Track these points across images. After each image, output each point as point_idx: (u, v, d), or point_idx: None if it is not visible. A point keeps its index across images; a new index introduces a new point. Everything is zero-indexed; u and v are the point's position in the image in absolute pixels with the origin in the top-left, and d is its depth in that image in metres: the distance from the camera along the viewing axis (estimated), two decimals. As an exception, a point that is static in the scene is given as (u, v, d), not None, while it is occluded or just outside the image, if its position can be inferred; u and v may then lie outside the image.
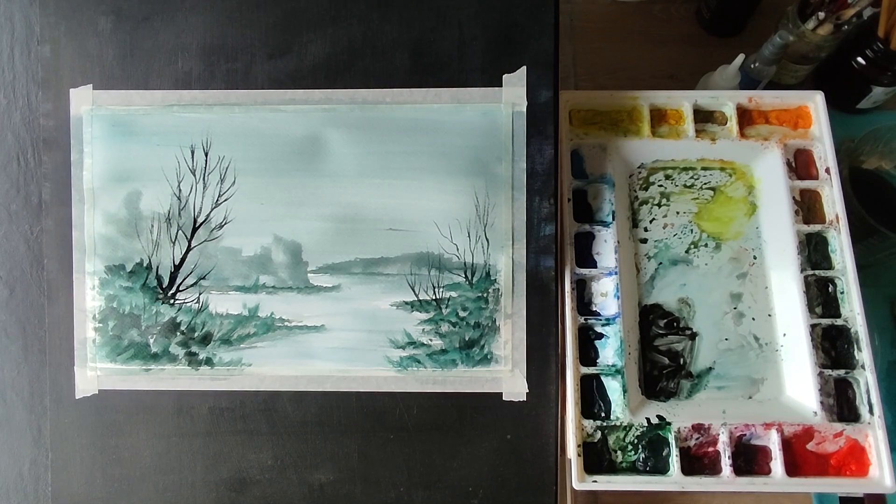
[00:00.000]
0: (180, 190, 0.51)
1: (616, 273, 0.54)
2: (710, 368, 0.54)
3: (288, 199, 0.51)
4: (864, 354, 0.51)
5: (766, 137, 0.58)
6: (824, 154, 0.57)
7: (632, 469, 0.51)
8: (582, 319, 0.53)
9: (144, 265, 0.51)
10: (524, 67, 0.50)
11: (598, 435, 0.51)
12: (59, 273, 0.51)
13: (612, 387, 0.52)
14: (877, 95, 0.68)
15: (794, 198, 0.56)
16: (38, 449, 0.51)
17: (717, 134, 0.59)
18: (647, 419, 0.51)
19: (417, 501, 0.51)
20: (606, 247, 0.55)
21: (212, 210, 0.51)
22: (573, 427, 0.51)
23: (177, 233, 0.51)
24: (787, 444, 0.50)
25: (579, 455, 0.50)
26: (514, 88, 0.50)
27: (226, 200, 0.51)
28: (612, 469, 0.51)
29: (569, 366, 0.52)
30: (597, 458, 0.51)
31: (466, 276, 0.51)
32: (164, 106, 0.51)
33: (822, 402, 0.51)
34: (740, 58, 0.64)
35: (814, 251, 0.55)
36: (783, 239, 0.55)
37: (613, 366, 0.52)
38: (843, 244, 0.54)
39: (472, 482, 0.51)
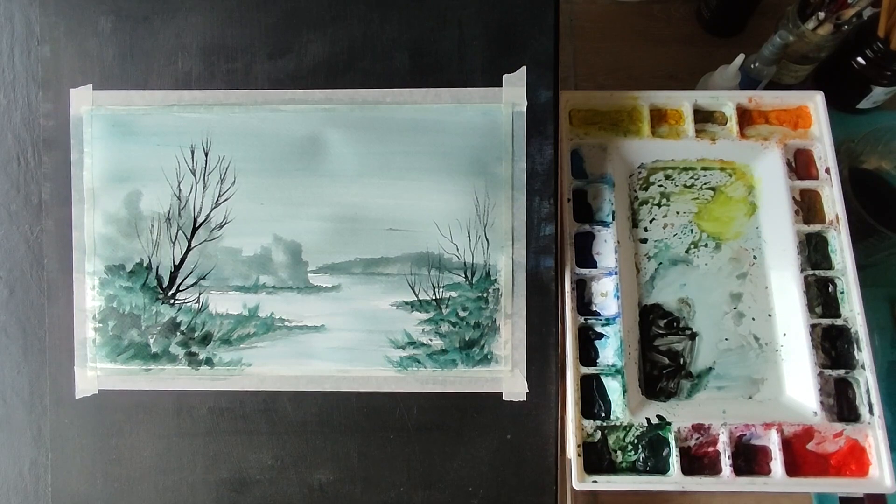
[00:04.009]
0: (180, 190, 0.51)
1: (616, 273, 0.54)
2: (710, 368, 0.54)
3: (288, 199, 0.51)
4: (864, 354, 0.51)
5: (766, 137, 0.58)
6: (824, 154, 0.57)
7: (632, 469, 0.51)
8: (582, 319, 0.53)
9: (144, 265, 0.51)
10: (524, 67, 0.50)
11: (598, 435, 0.51)
12: (59, 273, 0.51)
13: (612, 387, 0.52)
14: (877, 95, 0.68)
15: (794, 198, 0.56)
16: (38, 449, 0.51)
17: (717, 134, 0.59)
18: (647, 419, 0.51)
19: (417, 501, 0.51)
20: (606, 247, 0.55)
21: (212, 210, 0.51)
22: (573, 427, 0.51)
23: (177, 233, 0.51)
24: (787, 444, 0.50)
25: (579, 455, 0.50)
26: (514, 88, 0.50)
27: (226, 200, 0.51)
28: (612, 469, 0.51)
29: (569, 366, 0.52)
30: (597, 458, 0.51)
31: (466, 276, 0.51)
32: (164, 106, 0.51)
33: (822, 402, 0.51)
34: (740, 58, 0.64)
35: (814, 251, 0.55)
36: (783, 239, 0.55)
37: (613, 366, 0.52)
38: (843, 244, 0.54)
39: (472, 482, 0.51)
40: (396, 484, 0.51)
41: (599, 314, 0.54)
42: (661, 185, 0.59)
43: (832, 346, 0.53)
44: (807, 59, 0.68)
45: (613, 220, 0.56)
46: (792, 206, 0.55)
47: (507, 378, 0.51)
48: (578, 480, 0.49)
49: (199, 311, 0.51)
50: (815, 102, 0.59)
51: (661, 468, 0.50)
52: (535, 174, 0.51)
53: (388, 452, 0.51)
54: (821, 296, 0.54)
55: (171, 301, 0.51)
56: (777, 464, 0.49)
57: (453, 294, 0.51)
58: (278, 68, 0.51)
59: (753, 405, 0.53)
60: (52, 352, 0.51)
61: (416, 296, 0.51)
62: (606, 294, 0.54)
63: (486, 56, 0.50)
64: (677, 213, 0.59)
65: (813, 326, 0.52)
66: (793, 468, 0.49)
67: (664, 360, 0.55)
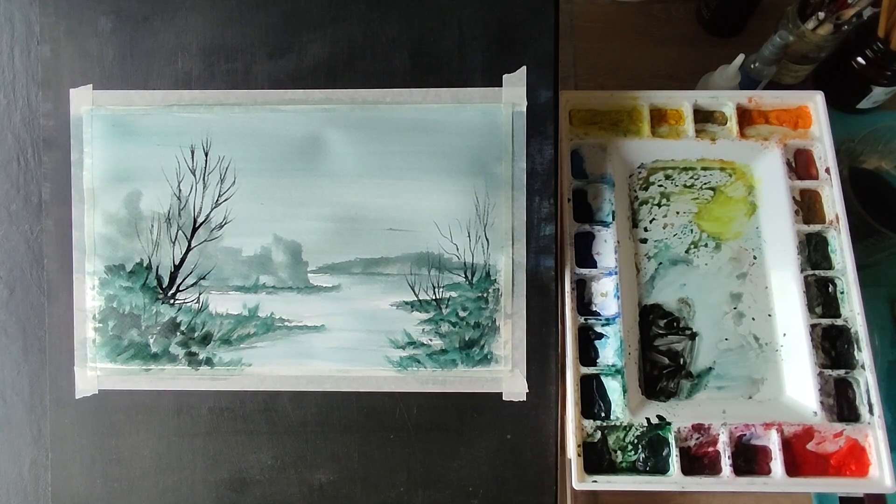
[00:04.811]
0: (180, 190, 0.51)
1: (616, 273, 0.54)
2: (710, 368, 0.54)
3: (288, 199, 0.51)
4: (864, 354, 0.51)
5: (766, 137, 0.58)
6: (824, 154, 0.57)
7: (632, 469, 0.51)
8: (582, 319, 0.53)
9: (144, 265, 0.51)
10: (524, 67, 0.50)
11: (598, 435, 0.51)
12: (59, 273, 0.51)
13: (612, 387, 0.52)
14: (877, 95, 0.68)
15: (794, 198, 0.56)
16: (38, 449, 0.51)
17: (717, 134, 0.59)
18: (647, 419, 0.51)
19: (417, 501, 0.51)
20: (606, 247, 0.55)
21: (212, 210, 0.51)
22: (573, 427, 0.51)
23: (177, 233, 0.51)
24: (787, 444, 0.50)
25: (579, 455, 0.50)
26: (514, 88, 0.50)
27: (226, 200, 0.51)
28: (612, 469, 0.51)
29: (569, 366, 0.52)
30: (597, 458, 0.51)
31: (466, 276, 0.51)
32: (164, 106, 0.51)
33: (822, 402, 0.51)
34: (740, 58, 0.64)
35: (814, 251, 0.55)
36: (783, 239, 0.55)
37: (613, 366, 0.52)
38: (843, 244, 0.54)
39: (472, 482, 0.51)
40: (396, 484, 0.51)
41: (599, 314, 0.54)
42: (661, 185, 0.59)
43: (832, 346, 0.53)
44: (807, 59, 0.68)
45: (613, 220, 0.56)
46: (792, 206, 0.55)
47: (507, 378, 0.51)
48: (578, 480, 0.49)
49: (199, 311, 0.51)
50: (815, 102, 0.59)
51: (661, 468, 0.50)
52: (535, 174, 0.51)
53: (388, 452, 0.51)
54: (821, 296, 0.54)
55: (171, 301, 0.51)
56: (777, 464, 0.49)
57: (453, 294, 0.51)
58: (278, 68, 0.51)
59: (753, 405, 0.53)
60: (52, 352, 0.51)
61: (416, 296, 0.51)
62: (606, 294, 0.54)
63: (486, 56, 0.50)
64: (677, 213, 0.59)
65: (813, 326, 0.52)
66: (793, 468, 0.49)
67: (664, 360, 0.55)
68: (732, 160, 0.59)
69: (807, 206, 0.56)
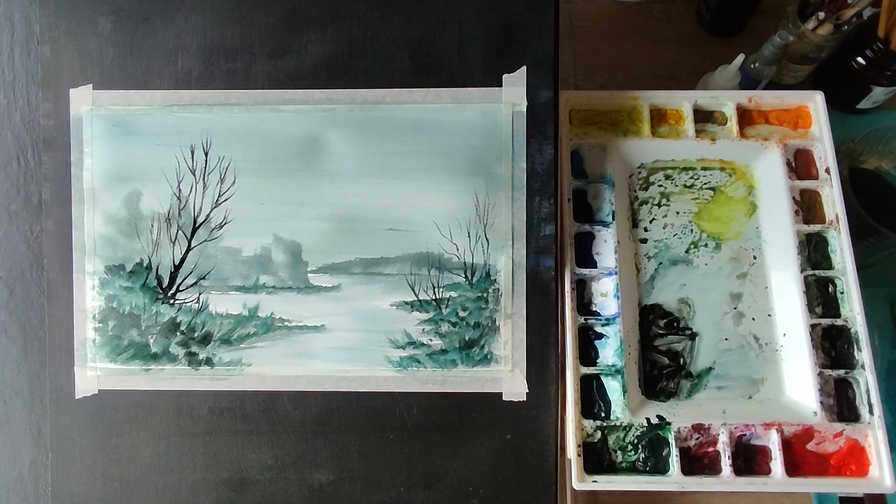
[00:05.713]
0: (180, 190, 0.51)
1: (616, 273, 0.54)
2: (710, 368, 0.54)
3: (288, 199, 0.51)
4: (864, 354, 0.51)
5: (766, 137, 0.58)
6: (824, 154, 0.57)
7: (632, 469, 0.51)
8: (582, 319, 0.53)
9: (144, 265, 0.51)
10: (524, 67, 0.50)
11: (598, 435, 0.51)
12: (59, 273, 0.51)
13: (612, 387, 0.52)
14: (877, 95, 0.68)
15: (794, 198, 0.56)
16: (38, 449, 0.51)
17: (717, 134, 0.59)
18: (647, 419, 0.51)
19: (417, 501, 0.51)
20: (606, 247, 0.55)
21: (212, 210, 0.51)
22: (573, 427, 0.51)
23: (177, 233, 0.51)
24: (787, 444, 0.50)
25: (579, 455, 0.50)
26: (514, 88, 0.50)
27: (226, 200, 0.51)
28: (612, 469, 0.51)
29: (569, 366, 0.52)
30: (597, 458, 0.51)
31: (466, 276, 0.51)
32: (164, 106, 0.51)
33: (822, 402, 0.51)
34: (740, 58, 0.64)
35: (814, 251, 0.55)
36: (783, 239, 0.55)
37: (613, 366, 0.52)
38: (843, 244, 0.54)
39: (472, 482, 0.51)
40: (396, 484, 0.51)
41: (599, 314, 0.54)
42: (661, 185, 0.59)
43: (832, 346, 0.53)
44: (807, 59, 0.68)
45: (613, 220, 0.56)
46: (792, 206, 0.55)
47: (507, 378, 0.51)
48: (578, 480, 0.49)
49: (199, 311, 0.51)
50: (815, 102, 0.58)
51: (661, 468, 0.50)
52: (535, 174, 0.51)
53: (388, 452, 0.51)
54: (821, 296, 0.54)
55: (171, 301, 0.51)
56: (777, 464, 0.49)
57: (453, 294, 0.51)
58: (278, 68, 0.51)
59: (753, 405, 0.53)
60: (52, 352, 0.51)
61: (416, 296, 0.51)
62: (606, 294, 0.54)
63: (486, 56, 0.50)
64: (677, 213, 0.59)
65: (813, 326, 0.52)
66: (793, 468, 0.49)
67: (664, 360, 0.55)
68: (732, 160, 0.59)
69: (807, 206, 0.56)
